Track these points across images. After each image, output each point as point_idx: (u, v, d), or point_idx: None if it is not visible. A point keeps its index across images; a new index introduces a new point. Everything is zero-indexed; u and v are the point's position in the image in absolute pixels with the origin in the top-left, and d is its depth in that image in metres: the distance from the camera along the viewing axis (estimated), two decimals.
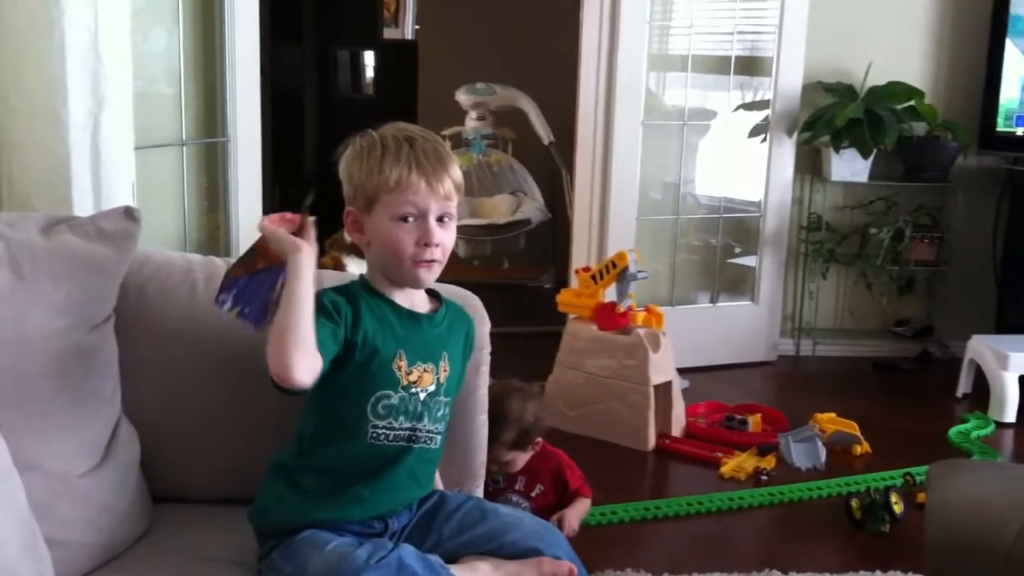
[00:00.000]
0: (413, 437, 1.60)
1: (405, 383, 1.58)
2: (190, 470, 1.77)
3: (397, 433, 1.58)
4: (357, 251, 2.60)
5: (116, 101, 2.07)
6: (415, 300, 1.65)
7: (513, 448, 2.41)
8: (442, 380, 1.63)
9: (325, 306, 1.52)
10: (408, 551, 1.47)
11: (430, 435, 1.62)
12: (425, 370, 1.61)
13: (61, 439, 1.53)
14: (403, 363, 1.58)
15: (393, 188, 1.55)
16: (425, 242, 1.56)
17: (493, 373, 1.91)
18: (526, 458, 2.45)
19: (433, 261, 1.59)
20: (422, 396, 1.60)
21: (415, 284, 1.62)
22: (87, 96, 2.01)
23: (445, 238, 1.59)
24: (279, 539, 1.54)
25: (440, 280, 1.89)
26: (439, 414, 1.63)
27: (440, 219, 1.58)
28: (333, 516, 1.56)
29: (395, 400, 1.57)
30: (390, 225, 1.57)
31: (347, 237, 2.19)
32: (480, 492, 1.89)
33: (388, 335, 1.58)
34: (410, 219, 1.56)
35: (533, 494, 2.47)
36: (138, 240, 1.71)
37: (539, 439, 2.46)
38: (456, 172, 1.61)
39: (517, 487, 2.46)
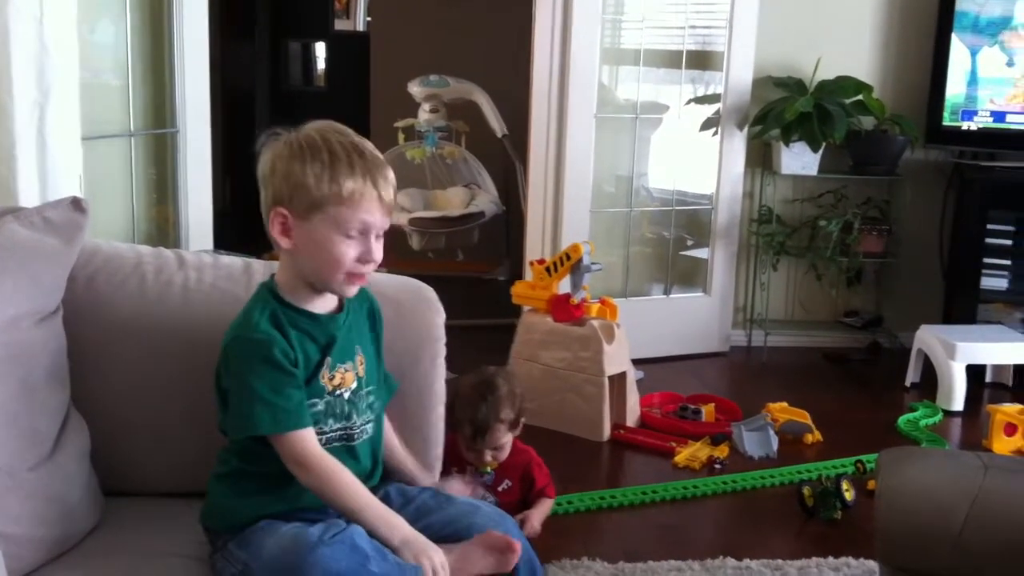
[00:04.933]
0: (347, 436, 1.60)
1: (330, 388, 1.57)
2: (141, 463, 1.75)
3: (330, 436, 1.57)
4: None
5: (62, 91, 2.03)
6: (328, 299, 1.61)
7: (511, 428, 2.40)
8: (361, 374, 1.62)
9: (283, 366, 1.49)
10: (360, 531, 1.46)
11: (363, 428, 1.63)
12: (346, 370, 1.59)
13: (8, 432, 1.50)
14: (326, 371, 1.57)
15: (346, 200, 1.49)
16: (367, 259, 1.53)
17: (448, 366, 1.91)
18: (511, 442, 2.45)
19: (364, 275, 1.56)
20: (347, 396, 1.59)
21: (342, 295, 1.58)
22: (32, 86, 1.98)
23: (379, 252, 1.56)
24: (233, 533, 1.54)
25: (394, 272, 1.88)
26: (365, 406, 1.63)
27: (377, 234, 1.55)
28: (288, 505, 1.55)
29: (321, 406, 1.56)
30: (334, 238, 1.51)
31: None
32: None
33: (313, 350, 1.56)
34: (354, 233, 1.52)
35: (500, 489, 2.46)
36: (86, 231, 1.69)
37: (523, 418, 2.46)
38: (394, 181, 1.57)
39: (485, 481, 2.45)
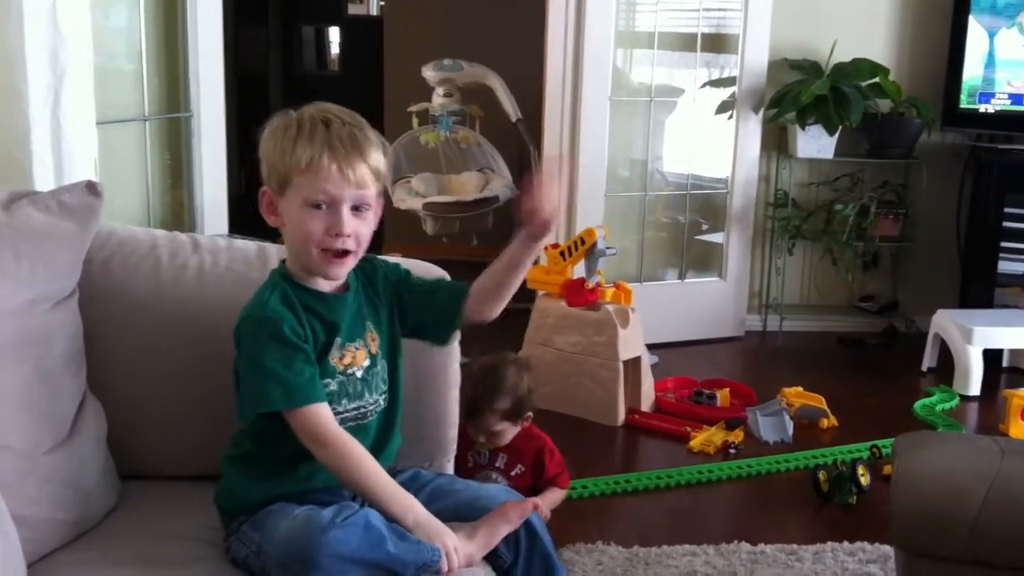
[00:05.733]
0: (360, 415, 1.60)
1: (342, 368, 1.57)
2: (157, 447, 1.75)
3: (344, 416, 1.57)
4: None
5: (76, 75, 2.03)
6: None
7: (505, 418, 2.39)
8: (374, 351, 1.62)
9: (293, 342, 1.49)
10: (374, 512, 1.46)
11: (376, 405, 1.63)
12: (356, 348, 1.59)
13: (25, 416, 1.51)
14: (336, 351, 1.57)
15: (305, 170, 1.49)
16: (336, 231, 1.50)
17: (462, 350, 1.90)
18: (514, 432, 2.44)
19: (346, 252, 1.53)
20: (359, 374, 1.59)
21: (325, 276, 1.56)
22: (47, 71, 1.98)
23: (360, 228, 1.53)
24: (248, 514, 1.54)
25: (408, 257, 1.87)
26: (378, 381, 1.63)
27: (356, 208, 1.52)
28: (300, 486, 1.55)
29: (334, 386, 1.56)
30: (301, 210, 1.51)
31: None
32: (451, 466, 1.89)
33: (322, 330, 1.56)
34: (323, 206, 1.50)
35: (513, 473, 2.46)
36: (101, 214, 1.69)
37: (530, 413, 2.46)
38: (375, 158, 1.53)
39: (498, 464, 2.45)
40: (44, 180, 1.95)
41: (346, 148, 1.50)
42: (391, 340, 1.67)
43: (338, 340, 1.57)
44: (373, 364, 1.62)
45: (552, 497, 2.50)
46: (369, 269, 1.66)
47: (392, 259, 1.76)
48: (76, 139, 2.04)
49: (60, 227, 1.62)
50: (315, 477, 1.55)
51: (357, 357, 1.59)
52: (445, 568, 1.46)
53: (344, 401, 1.58)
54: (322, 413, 1.51)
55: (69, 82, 2.01)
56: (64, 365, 1.60)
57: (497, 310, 1.71)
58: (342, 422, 1.56)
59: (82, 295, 1.67)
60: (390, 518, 1.48)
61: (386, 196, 4.39)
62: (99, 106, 2.20)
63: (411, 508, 1.51)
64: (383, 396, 1.64)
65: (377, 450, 1.61)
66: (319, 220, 1.51)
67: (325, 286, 1.59)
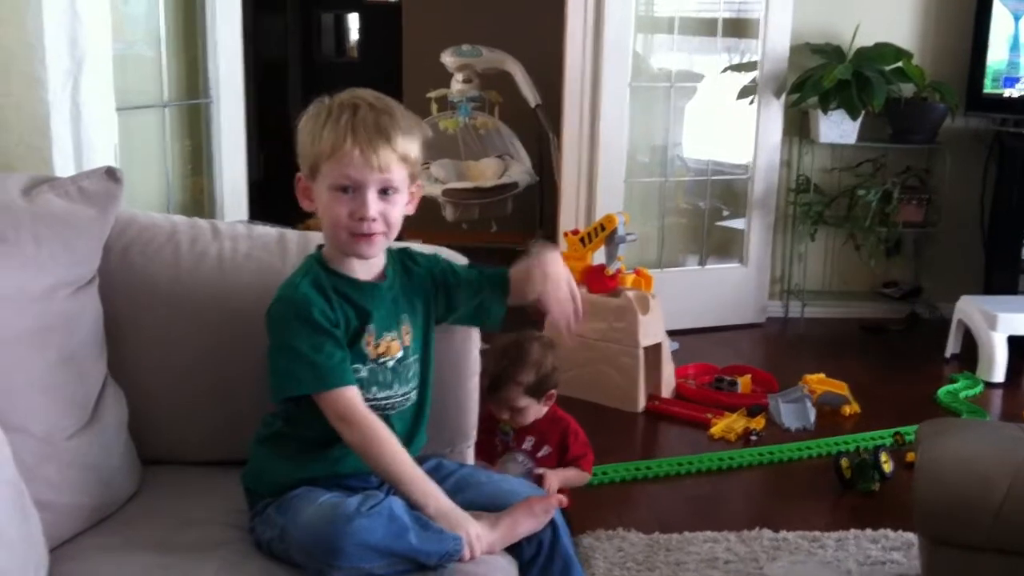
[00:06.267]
0: (389, 405, 1.60)
1: (374, 356, 1.57)
2: (178, 432, 1.76)
3: (373, 405, 1.57)
4: None
5: (95, 61, 2.03)
6: (373, 265, 1.60)
7: (528, 393, 2.38)
8: (407, 343, 1.62)
9: (322, 326, 1.50)
10: (398, 503, 1.47)
11: (405, 398, 1.63)
12: (392, 339, 1.59)
13: (47, 401, 1.51)
14: (371, 338, 1.57)
15: (330, 156, 1.50)
16: (360, 216, 1.51)
17: (482, 337, 1.90)
18: (539, 411, 2.41)
19: (372, 234, 1.53)
20: (391, 364, 1.59)
21: (357, 256, 1.57)
22: (65, 56, 1.98)
23: (388, 210, 1.53)
24: (274, 496, 1.54)
25: (428, 244, 1.86)
26: (409, 375, 1.63)
27: (384, 191, 1.53)
28: (328, 470, 1.55)
29: (364, 373, 1.56)
30: (328, 195, 1.52)
31: None
32: (471, 452, 1.88)
33: (354, 316, 1.56)
34: (348, 190, 1.51)
35: (539, 455, 2.46)
36: (121, 200, 1.70)
37: (553, 392, 2.44)
38: (402, 144, 1.53)
39: (524, 446, 2.45)
40: (64, 166, 1.95)
41: (369, 133, 1.50)
42: (425, 334, 1.67)
43: (370, 327, 1.57)
44: (405, 356, 1.61)
45: (565, 474, 2.46)
46: (408, 261, 1.67)
47: (428, 249, 1.75)
48: (96, 125, 2.03)
49: (80, 213, 1.62)
50: (344, 461, 1.55)
51: (391, 348, 1.59)
52: (467, 555, 1.46)
53: (374, 389, 1.58)
54: (351, 395, 1.52)
55: (88, 68, 2.01)
56: (86, 351, 1.60)
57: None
58: (371, 408, 1.55)
59: (102, 281, 1.67)
60: (412, 504, 1.48)
61: None
62: (118, 92, 2.20)
63: (433, 495, 1.51)
64: (414, 391, 1.64)
65: (416, 436, 1.63)
66: (344, 204, 1.52)
67: (360, 273, 1.59)
